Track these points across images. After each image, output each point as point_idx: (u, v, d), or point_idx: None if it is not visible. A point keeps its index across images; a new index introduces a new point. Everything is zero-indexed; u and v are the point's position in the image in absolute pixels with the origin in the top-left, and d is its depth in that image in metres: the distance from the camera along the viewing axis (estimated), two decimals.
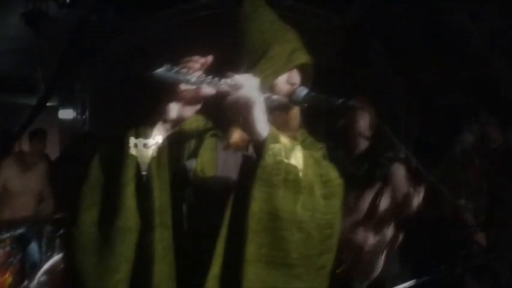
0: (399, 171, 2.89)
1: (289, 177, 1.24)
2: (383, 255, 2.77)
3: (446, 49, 4.96)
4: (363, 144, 2.83)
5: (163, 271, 1.26)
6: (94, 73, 6.34)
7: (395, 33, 5.30)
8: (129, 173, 1.25)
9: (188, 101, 1.28)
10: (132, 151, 1.27)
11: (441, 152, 4.07)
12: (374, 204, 2.82)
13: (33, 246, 4.14)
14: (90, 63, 6.26)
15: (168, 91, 1.27)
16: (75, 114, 6.51)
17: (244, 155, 1.32)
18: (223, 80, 1.25)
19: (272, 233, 1.22)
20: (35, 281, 3.81)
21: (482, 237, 3.31)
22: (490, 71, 4.91)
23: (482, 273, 3.31)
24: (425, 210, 2.76)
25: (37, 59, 6.01)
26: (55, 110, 6.90)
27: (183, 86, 1.25)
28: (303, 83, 1.48)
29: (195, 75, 1.24)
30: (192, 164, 1.38)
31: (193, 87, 1.25)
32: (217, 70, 1.37)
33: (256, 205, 1.21)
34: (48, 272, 3.86)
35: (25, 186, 4.32)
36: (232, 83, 1.24)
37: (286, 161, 1.25)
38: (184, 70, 1.24)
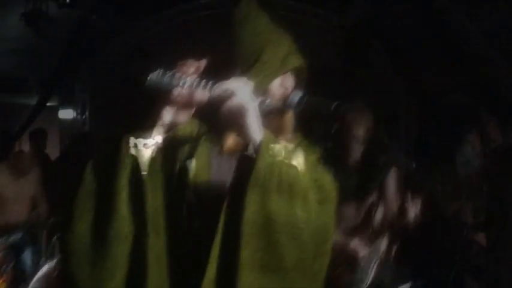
0: (393, 181, 2.89)
1: (284, 182, 1.24)
2: (375, 265, 2.77)
3: (446, 49, 4.96)
4: (358, 150, 2.82)
5: (157, 277, 1.26)
6: (94, 73, 6.34)
7: (395, 33, 5.30)
8: (123, 179, 1.25)
9: (182, 106, 1.27)
10: (132, 151, 1.27)
11: (441, 152, 4.07)
12: (369, 214, 2.82)
13: (27, 253, 4.10)
14: (90, 63, 6.26)
15: (162, 96, 1.27)
16: (75, 114, 6.52)
17: (238, 160, 1.31)
18: (217, 85, 1.25)
19: (267, 237, 1.22)
20: None
21: (482, 237, 3.31)
22: (490, 71, 4.91)
23: (482, 273, 3.31)
24: (423, 219, 2.76)
25: (37, 59, 6.01)
26: (55, 110, 6.90)
27: (177, 91, 1.25)
28: (297, 86, 1.48)
29: (189, 80, 1.24)
30: (192, 164, 1.39)
31: (188, 91, 1.25)
32: (217, 71, 1.37)
33: (251, 210, 1.21)
34: (41, 279, 3.84)
35: (18, 193, 4.28)
36: (226, 87, 1.24)
37: (280, 165, 1.25)
38: (179, 75, 1.24)
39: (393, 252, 2.81)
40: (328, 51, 5.71)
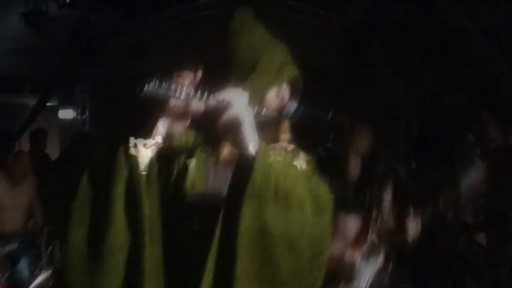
0: (390, 195, 2.90)
1: (279, 193, 1.24)
2: (372, 277, 2.78)
3: (446, 49, 4.96)
4: (356, 162, 2.82)
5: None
6: (94, 73, 6.34)
7: (395, 33, 5.30)
8: (119, 189, 1.25)
9: (178, 117, 1.28)
10: (132, 151, 1.27)
11: (441, 152, 4.07)
12: (366, 226, 2.82)
13: (23, 262, 4.07)
14: (90, 63, 6.26)
15: (158, 106, 1.27)
16: (75, 114, 6.52)
17: (234, 170, 1.30)
18: (213, 95, 1.25)
19: (262, 249, 1.22)
20: None
21: (482, 237, 3.32)
22: (490, 71, 4.91)
23: (482, 273, 3.31)
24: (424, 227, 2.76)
25: (37, 59, 6.01)
26: (55, 110, 6.90)
27: (173, 102, 1.25)
28: (293, 96, 1.48)
29: (185, 91, 1.24)
30: (187, 174, 1.38)
31: (183, 102, 1.25)
32: (215, 74, 1.38)
33: (246, 221, 1.20)
34: None
35: (14, 201, 4.24)
36: (222, 98, 1.24)
37: (275, 176, 1.24)
38: (174, 85, 1.24)
39: (390, 267, 2.82)
40: (328, 51, 5.72)
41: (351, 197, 2.78)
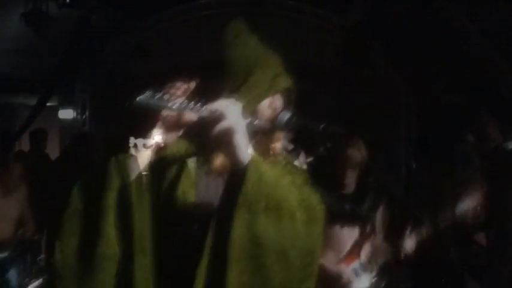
0: (383, 214, 2.90)
1: (271, 204, 1.24)
2: None
3: (446, 49, 4.96)
4: (351, 176, 2.82)
5: None
6: (94, 73, 6.34)
7: (396, 33, 5.30)
8: (109, 201, 1.25)
9: (170, 127, 1.29)
10: (132, 151, 1.27)
11: (441, 152, 4.06)
12: (360, 242, 2.83)
13: (13, 272, 4.05)
14: (90, 63, 6.26)
15: (151, 117, 1.27)
16: (75, 114, 6.51)
17: (226, 180, 1.31)
18: (205, 106, 1.26)
19: (253, 259, 1.22)
20: None
21: (482, 237, 3.31)
22: (490, 71, 4.91)
23: (482, 273, 3.31)
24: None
25: (37, 59, 6.01)
26: (55, 110, 6.90)
27: (165, 112, 1.26)
28: (286, 107, 1.49)
29: (178, 102, 1.24)
30: (179, 184, 1.39)
31: (176, 113, 1.25)
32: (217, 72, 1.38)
33: (237, 232, 1.21)
34: None
35: (4, 211, 4.24)
36: (215, 108, 1.24)
37: (267, 187, 1.24)
38: (167, 96, 1.24)
39: (383, 285, 2.83)
40: (328, 51, 5.72)
41: (344, 209, 2.78)
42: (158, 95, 1.23)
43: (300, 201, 1.33)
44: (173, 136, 1.31)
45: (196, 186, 1.40)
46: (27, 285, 3.90)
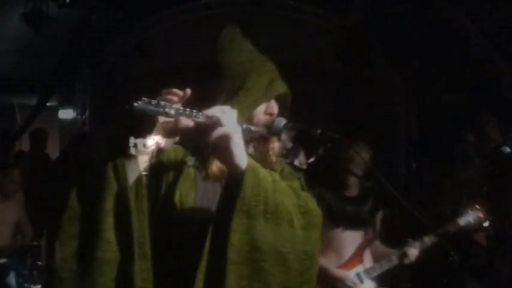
0: (386, 219, 2.90)
1: (268, 209, 1.25)
2: None
3: (446, 49, 4.96)
4: (353, 182, 2.82)
5: None
6: (94, 73, 6.34)
7: (396, 33, 5.30)
8: (108, 204, 1.25)
9: (167, 133, 1.29)
10: (132, 151, 1.28)
11: (441, 152, 4.06)
12: (361, 249, 2.83)
13: (11, 278, 4.04)
14: (90, 63, 6.26)
15: (147, 123, 1.28)
16: (75, 114, 6.51)
17: (224, 186, 1.32)
18: (201, 112, 1.26)
19: (252, 264, 1.23)
20: None
21: (482, 237, 3.31)
22: (490, 71, 4.91)
23: (482, 273, 3.31)
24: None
25: (37, 59, 6.01)
26: (55, 110, 6.90)
27: (162, 119, 1.26)
28: (281, 113, 1.49)
29: (174, 108, 1.25)
30: (177, 189, 1.39)
31: (172, 119, 1.26)
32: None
33: (236, 237, 1.21)
34: None
35: (3, 216, 4.26)
36: (211, 114, 1.24)
37: (264, 192, 1.25)
38: (163, 103, 1.24)
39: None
40: (328, 51, 5.72)
41: (347, 211, 2.78)
42: (154, 101, 1.23)
43: (298, 206, 1.33)
44: (170, 142, 1.32)
45: (194, 191, 1.40)
46: None
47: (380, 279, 2.83)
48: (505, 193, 3.25)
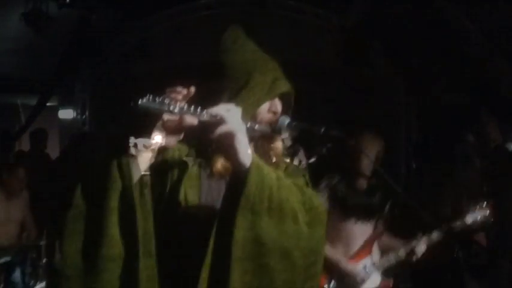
0: (395, 213, 2.91)
1: (273, 206, 1.26)
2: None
3: (446, 49, 4.96)
4: (365, 173, 2.83)
5: None
6: (94, 73, 6.34)
7: (396, 33, 5.30)
8: (113, 202, 1.26)
9: (171, 131, 1.30)
10: (132, 151, 1.28)
11: (441, 152, 4.06)
12: (370, 242, 2.84)
13: (17, 275, 4.08)
14: (90, 63, 6.26)
15: (152, 120, 1.29)
16: (75, 114, 6.51)
17: (228, 183, 1.32)
18: (205, 110, 1.26)
19: (256, 260, 1.24)
20: None
21: (482, 237, 3.31)
22: (490, 71, 4.91)
23: (482, 273, 3.31)
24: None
25: (37, 59, 6.01)
26: (55, 110, 6.90)
27: (166, 116, 1.27)
28: (284, 111, 1.50)
29: (178, 106, 1.25)
30: (181, 187, 1.40)
31: (177, 117, 1.27)
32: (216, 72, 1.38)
33: (240, 233, 1.22)
34: None
35: (9, 214, 4.28)
36: (215, 113, 1.25)
37: (269, 189, 1.26)
38: (168, 101, 1.25)
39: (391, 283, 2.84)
40: (328, 51, 5.72)
41: (358, 202, 2.79)
42: (159, 99, 1.23)
43: (302, 202, 1.34)
44: (174, 140, 1.33)
45: (198, 189, 1.41)
46: None
47: (387, 273, 2.84)
48: (505, 193, 3.25)
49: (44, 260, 3.97)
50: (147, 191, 1.30)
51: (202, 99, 1.31)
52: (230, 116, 1.24)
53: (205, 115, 1.26)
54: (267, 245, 1.24)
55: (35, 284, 3.96)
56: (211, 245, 1.25)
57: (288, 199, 1.29)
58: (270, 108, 1.47)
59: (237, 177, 1.26)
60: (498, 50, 4.85)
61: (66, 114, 6.64)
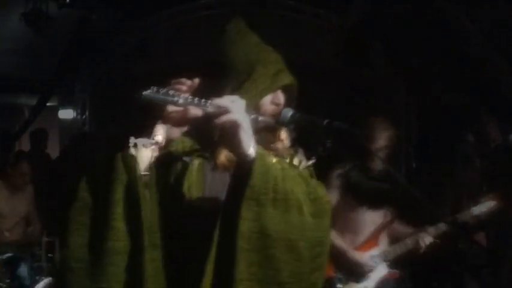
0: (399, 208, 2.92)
1: (278, 196, 1.26)
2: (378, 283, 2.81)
3: (446, 49, 4.96)
4: (376, 160, 2.83)
5: None
6: (94, 73, 6.34)
7: (395, 33, 5.30)
8: (118, 194, 1.26)
9: (175, 123, 1.30)
10: (132, 151, 1.28)
11: (441, 152, 4.06)
12: (378, 232, 2.84)
13: (23, 270, 4.09)
14: (90, 63, 6.26)
15: (156, 112, 1.29)
16: (75, 114, 6.51)
17: (232, 174, 1.32)
18: (209, 102, 1.26)
19: (262, 251, 1.23)
20: None
21: (482, 237, 3.31)
22: (490, 71, 4.91)
23: (482, 273, 3.31)
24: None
25: (37, 59, 6.01)
26: (55, 110, 6.90)
27: (170, 108, 1.27)
28: (288, 103, 1.51)
29: (182, 97, 1.26)
30: (185, 179, 1.39)
31: (181, 109, 1.27)
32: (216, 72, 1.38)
33: (245, 224, 1.22)
34: None
35: (13, 209, 4.30)
36: (219, 104, 1.25)
37: (274, 179, 1.26)
38: (172, 92, 1.25)
39: (398, 273, 2.85)
40: (328, 51, 5.72)
41: (370, 188, 2.79)
42: (163, 90, 1.23)
43: (307, 193, 1.34)
44: (178, 132, 1.33)
45: (203, 181, 1.41)
46: (39, 282, 3.93)
47: (394, 263, 2.84)
48: (505, 193, 3.25)
49: (50, 254, 3.99)
50: (152, 183, 1.30)
51: (206, 92, 1.31)
52: (235, 107, 1.24)
53: (210, 106, 1.25)
54: (272, 236, 1.23)
55: (41, 279, 3.97)
56: (216, 236, 1.24)
57: (293, 190, 1.29)
58: (272, 100, 1.48)
59: (242, 168, 1.26)
60: (498, 50, 4.85)
61: (66, 114, 6.64)
